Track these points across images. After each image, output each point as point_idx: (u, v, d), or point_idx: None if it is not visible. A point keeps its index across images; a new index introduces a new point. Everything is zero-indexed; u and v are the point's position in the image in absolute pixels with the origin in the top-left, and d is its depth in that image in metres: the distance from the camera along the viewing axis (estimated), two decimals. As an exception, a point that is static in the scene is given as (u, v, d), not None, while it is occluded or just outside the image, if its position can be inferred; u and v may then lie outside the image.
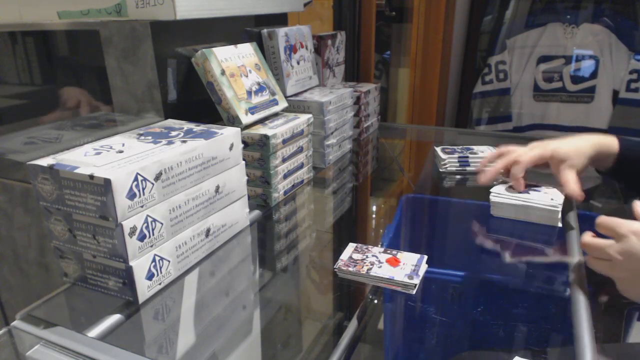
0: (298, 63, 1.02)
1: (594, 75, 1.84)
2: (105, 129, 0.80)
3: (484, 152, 1.03)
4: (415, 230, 0.90)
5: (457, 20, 1.86)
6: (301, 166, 0.89)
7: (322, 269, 0.75)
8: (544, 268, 0.72)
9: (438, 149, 1.06)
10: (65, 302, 0.58)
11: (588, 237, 0.58)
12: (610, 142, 0.77)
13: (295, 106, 0.97)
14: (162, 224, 0.56)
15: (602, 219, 0.56)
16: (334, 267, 0.63)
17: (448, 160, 1.01)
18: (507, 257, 0.76)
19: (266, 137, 0.76)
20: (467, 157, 1.01)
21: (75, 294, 0.58)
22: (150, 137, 0.62)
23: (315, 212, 0.90)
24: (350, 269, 0.63)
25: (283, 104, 0.89)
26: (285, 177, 0.84)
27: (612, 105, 1.83)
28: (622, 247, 0.52)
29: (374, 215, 1.03)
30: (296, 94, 1.01)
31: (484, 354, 0.70)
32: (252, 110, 0.80)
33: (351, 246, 0.68)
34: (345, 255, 0.66)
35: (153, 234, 0.55)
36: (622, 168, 0.77)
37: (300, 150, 0.87)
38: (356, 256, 0.65)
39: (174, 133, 0.64)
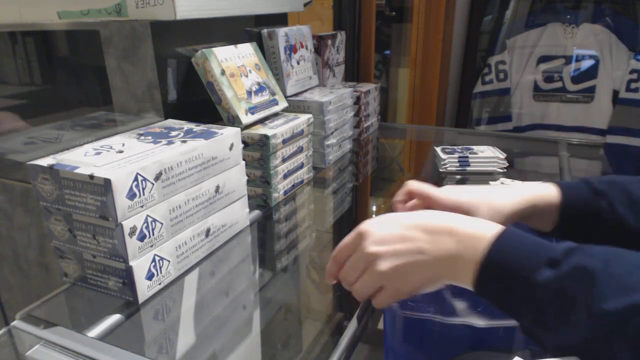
0: (298, 63, 1.02)
1: (594, 75, 1.84)
2: (105, 129, 0.80)
3: (484, 152, 1.03)
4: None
5: (457, 20, 1.86)
6: (301, 166, 0.89)
7: (322, 269, 0.75)
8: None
9: (438, 149, 1.06)
10: (65, 302, 0.58)
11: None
12: (547, 193, 0.54)
13: (295, 106, 0.97)
14: (162, 224, 0.56)
15: (335, 252, 0.49)
16: None
17: (448, 160, 1.01)
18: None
19: (266, 137, 0.76)
20: (467, 157, 1.01)
21: (75, 294, 0.58)
22: (150, 137, 0.62)
23: (315, 212, 0.90)
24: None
25: (283, 104, 0.89)
26: (285, 177, 0.83)
27: (612, 105, 1.83)
28: (367, 244, 0.45)
29: (374, 215, 1.03)
30: (296, 94, 1.01)
31: (484, 354, 0.69)
32: (252, 110, 0.80)
33: None
34: None
35: (153, 234, 0.55)
36: (570, 223, 0.54)
37: (300, 150, 0.87)
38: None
39: (174, 133, 0.64)
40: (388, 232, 0.45)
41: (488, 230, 0.41)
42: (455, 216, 0.45)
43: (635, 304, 0.32)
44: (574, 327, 0.35)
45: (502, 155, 1.01)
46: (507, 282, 0.39)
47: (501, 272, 0.39)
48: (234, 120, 0.77)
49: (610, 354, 0.33)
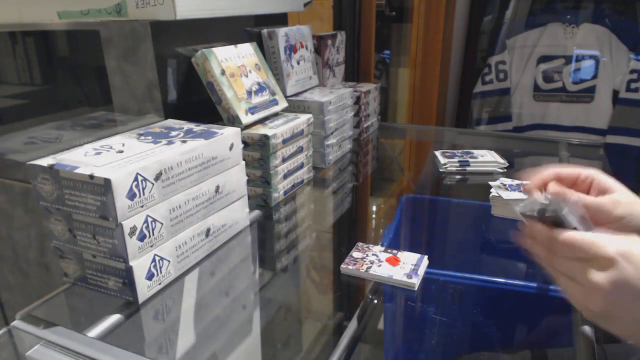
0: (298, 63, 1.02)
1: (594, 75, 1.84)
2: (105, 129, 0.80)
3: (484, 156, 1.03)
4: (415, 230, 0.90)
5: (457, 20, 1.85)
6: (301, 166, 0.89)
7: (322, 269, 0.75)
8: (544, 268, 0.72)
9: (438, 153, 1.06)
10: (65, 302, 0.58)
11: (551, 239, 0.41)
12: None
13: (295, 106, 0.97)
14: (162, 224, 0.56)
15: (571, 238, 0.40)
16: (342, 265, 0.64)
17: (448, 163, 1.01)
18: (507, 257, 0.76)
19: (266, 137, 0.76)
20: (468, 160, 1.01)
21: (75, 294, 0.58)
22: (150, 137, 0.62)
23: (315, 212, 0.90)
24: (350, 267, 0.63)
25: (283, 104, 0.89)
26: (285, 177, 0.83)
27: (612, 105, 1.83)
28: (611, 276, 0.37)
29: (374, 216, 1.03)
30: (296, 94, 1.01)
31: (484, 354, 0.70)
32: (252, 110, 0.80)
33: (358, 245, 0.68)
34: (350, 254, 0.66)
35: (153, 234, 0.55)
36: None
37: (300, 150, 0.87)
38: (356, 255, 0.65)
39: (174, 133, 0.64)
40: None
41: None
42: None
43: None
44: None
45: (502, 160, 1.01)
46: None
47: None
48: (234, 120, 0.77)
49: None
